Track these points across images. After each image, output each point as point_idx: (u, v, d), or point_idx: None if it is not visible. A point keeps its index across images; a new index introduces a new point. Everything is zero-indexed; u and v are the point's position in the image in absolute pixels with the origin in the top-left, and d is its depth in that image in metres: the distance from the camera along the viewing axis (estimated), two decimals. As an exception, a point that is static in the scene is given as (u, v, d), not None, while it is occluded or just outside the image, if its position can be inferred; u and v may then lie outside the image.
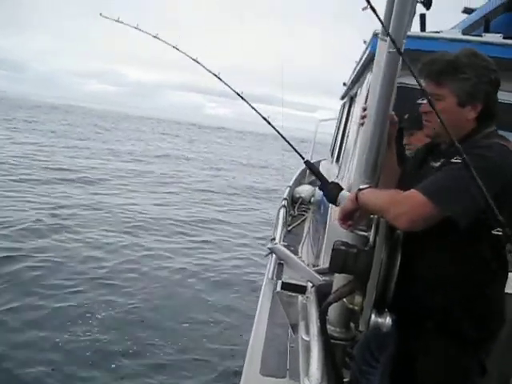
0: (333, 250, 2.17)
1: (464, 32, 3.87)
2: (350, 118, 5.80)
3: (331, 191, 3.27)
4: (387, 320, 2.06)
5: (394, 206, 1.96)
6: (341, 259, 2.14)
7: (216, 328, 7.50)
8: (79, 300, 7.68)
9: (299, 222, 7.17)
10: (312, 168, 4.01)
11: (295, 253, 5.79)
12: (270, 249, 2.95)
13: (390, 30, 1.98)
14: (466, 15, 5.93)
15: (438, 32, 3.45)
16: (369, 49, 3.58)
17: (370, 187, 2.17)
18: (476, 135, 2.08)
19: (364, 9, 1.88)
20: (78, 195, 15.29)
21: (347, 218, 2.24)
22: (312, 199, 7.87)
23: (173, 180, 22.16)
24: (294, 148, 3.66)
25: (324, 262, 3.47)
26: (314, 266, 4.81)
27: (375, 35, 3.42)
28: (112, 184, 18.44)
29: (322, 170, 7.14)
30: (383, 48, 2.18)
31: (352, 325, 2.45)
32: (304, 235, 6.47)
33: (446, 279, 2.04)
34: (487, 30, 3.68)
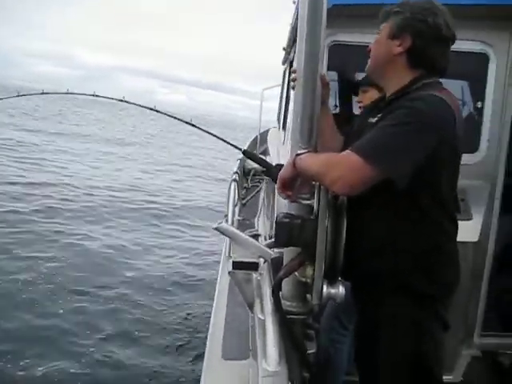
0: (276, 223, 2.07)
1: None
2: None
3: (277, 174, 3.18)
4: (340, 290, 1.98)
5: (330, 169, 1.85)
6: (286, 232, 2.04)
7: (177, 315, 7.37)
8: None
9: (254, 193, 7.05)
10: (252, 157, 3.92)
11: (252, 226, 5.70)
12: (215, 229, 2.83)
13: None
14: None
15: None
16: (299, 8, 3.43)
17: (308, 152, 2.06)
18: (413, 86, 1.99)
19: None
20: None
21: (287, 187, 2.13)
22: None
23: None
24: (229, 143, 3.57)
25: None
26: (270, 237, 4.74)
27: None
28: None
29: (271, 138, 7.10)
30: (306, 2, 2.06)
31: (308, 297, 2.37)
32: (259, 207, 6.37)
33: (392, 237, 1.98)
34: None
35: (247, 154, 3.52)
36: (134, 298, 7.64)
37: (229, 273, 2.71)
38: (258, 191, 7.22)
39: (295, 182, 2.12)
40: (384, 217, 1.97)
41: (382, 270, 2.00)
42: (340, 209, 1.98)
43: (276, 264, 2.74)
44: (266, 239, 5.08)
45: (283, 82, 7.19)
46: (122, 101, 4.42)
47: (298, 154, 2.05)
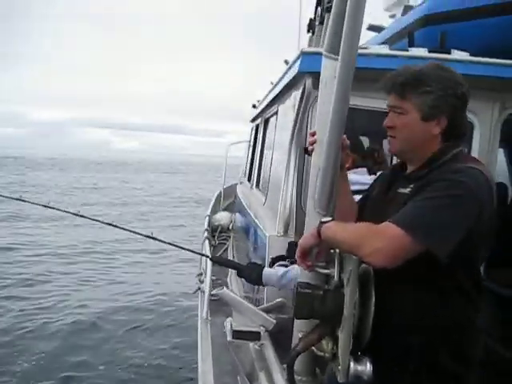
0: (296, 294, 1.95)
1: None
2: (268, 139, 5.64)
3: (251, 275, 3.08)
4: (368, 367, 1.85)
5: (367, 240, 1.75)
6: (307, 304, 1.92)
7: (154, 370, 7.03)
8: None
9: (222, 251, 6.91)
10: (222, 262, 3.87)
11: (224, 285, 5.54)
12: (215, 295, 2.70)
13: (343, 47, 1.79)
14: (371, 32, 5.97)
15: (366, 48, 3.34)
16: (295, 67, 3.42)
17: (332, 219, 1.96)
18: (443, 157, 1.92)
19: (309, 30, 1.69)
20: None
21: (307, 256, 2.02)
22: (231, 225, 7.64)
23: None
24: (191, 250, 3.62)
25: (268, 298, 3.24)
26: (247, 298, 4.59)
27: (304, 53, 3.27)
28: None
29: (242, 195, 7.02)
30: (331, 66, 2.01)
31: (318, 371, 2.23)
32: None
33: (423, 312, 1.87)
34: (412, 45, 3.63)
35: (215, 259, 3.49)
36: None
37: (228, 342, 2.56)
38: (225, 249, 7.08)
39: (313, 251, 2.02)
40: (416, 290, 1.87)
41: (409, 347, 1.88)
42: (367, 280, 1.87)
43: (274, 334, 2.61)
44: (244, 299, 4.94)
45: (254, 138, 7.16)
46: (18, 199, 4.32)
47: (322, 222, 1.95)
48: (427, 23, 3.83)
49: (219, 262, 3.80)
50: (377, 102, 3.33)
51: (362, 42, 5.50)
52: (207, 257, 3.51)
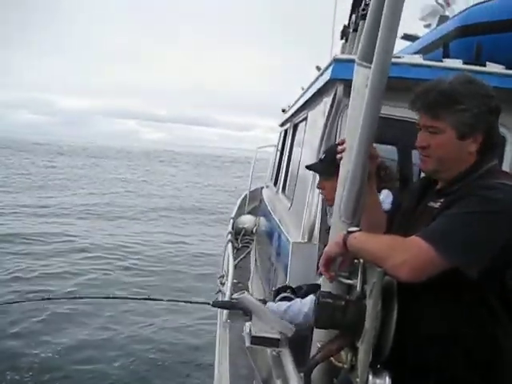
0: (318, 303, 1.92)
1: None
2: (296, 145, 5.63)
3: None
4: (387, 381, 1.82)
5: (394, 253, 1.72)
6: (329, 314, 1.89)
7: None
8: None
9: (244, 254, 6.91)
10: (224, 306, 3.77)
11: (245, 289, 5.53)
12: (236, 299, 2.68)
13: (376, 56, 1.77)
14: (405, 41, 5.92)
15: (399, 57, 3.31)
16: (327, 74, 3.40)
17: (360, 230, 1.94)
18: (477, 172, 1.87)
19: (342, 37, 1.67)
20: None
21: (331, 265, 1.99)
22: (255, 229, 7.64)
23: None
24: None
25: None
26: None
27: (336, 60, 3.25)
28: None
29: (267, 199, 7.01)
30: (363, 74, 1.98)
31: (335, 382, 2.20)
32: (252, 270, 6.22)
33: (447, 327, 1.82)
34: (447, 56, 3.58)
35: (216, 304, 3.43)
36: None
37: (247, 348, 2.54)
38: (248, 252, 7.09)
39: (337, 260, 2.00)
40: (441, 305, 1.83)
41: (430, 360, 1.84)
42: (390, 293, 1.84)
43: (295, 340, 2.59)
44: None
45: (282, 143, 7.15)
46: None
47: (349, 232, 1.92)
48: (463, 34, 3.78)
49: (221, 306, 3.72)
50: (408, 112, 3.29)
51: (395, 50, 5.48)
52: (210, 304, 3.44)
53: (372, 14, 1.90)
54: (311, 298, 2.76)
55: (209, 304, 3.37)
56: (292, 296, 2.96)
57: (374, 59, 1.81)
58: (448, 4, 6.50)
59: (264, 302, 3.09)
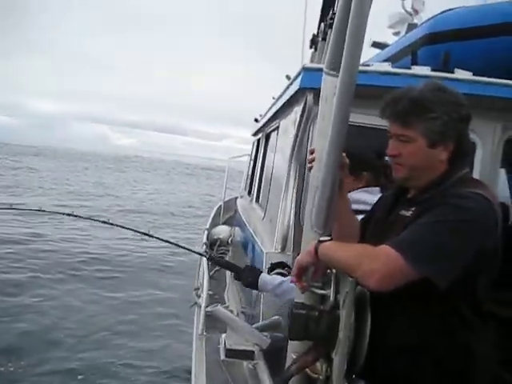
0: (291, 314, 1.90)
1: None
2: (268, 154, 5.62)
3: (247, 278, 3.04)
4: None
5: (363, 261, 1.70)
6: (302, 325, 1.88)
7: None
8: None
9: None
10: (220, 263, 3.84)
11: (221, 301, 5.47)
12: (209, 312, 2.65)
13: (343, 65, 1.76)
14: (374, 49, 5.97)
15: (368, 65, 3.33)
16: (296, 83, 3.40)
17: (331, 239, 1.92)
18: (449, 179, 1.87)
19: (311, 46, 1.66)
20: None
21: (303, 275, 1.97)
22: (230, 240, 7.58)
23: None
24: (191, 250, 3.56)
25: (263, 314, 3.19)
26: (244, 313, 4.53)
27: (305, 69, 3.25)
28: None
29: (241, 209, 6.97)
30: (331, 83, 1.98)
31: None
32: (227, 281, 6.15)
33: (416, 335, 1.81)
34: (415, 63, 3.60)
35: (211, 258, 3.46)
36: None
37: (222, 361, 2.51)
38: (223, 263, 7.02)
39: (309, 270, 1.98)
40: (410, 314, 1.81)
41: (399, 371, 1.82)
42: (363, 302, 1.83)
43: (270, 352, 2.56)
44: (238, 316, 4.88)
45: (256, 153, 7.13)
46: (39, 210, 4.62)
47: (320, 241, 1.91)
48: (431, 41, 3.81)
49: (217, 262, 3.75)
50: (379, 120, 3.30)
51: (364, 58, 5.52)
52: (205, 256, 3.45)
53: (338, 23, 1.90)
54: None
55: (204, 256, 3.36)
56: (287, 273, 2.97)
57: (341, 68, 1.80)
58: (416, 12, 6.57)
59: (258, 271, 3.09)
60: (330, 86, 1.99)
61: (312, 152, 2.12)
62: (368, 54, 5.89)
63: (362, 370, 1.83)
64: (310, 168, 2.12)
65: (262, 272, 3.12)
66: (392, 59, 4.10)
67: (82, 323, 8.42)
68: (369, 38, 6.63)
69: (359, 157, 2.88)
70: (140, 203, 26.06)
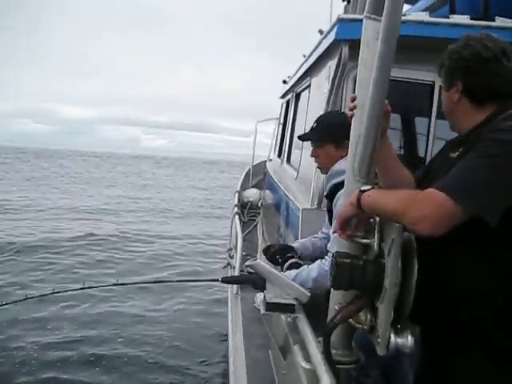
0: (335, 264, 1.88)
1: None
2: (300, 114, 5.54)
3: (260, 281, 2.89)
4: (409, 340, 1.78)
5: (411, 207, 1.66)
6: (347, 274, 1.85)
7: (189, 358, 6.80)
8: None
9: (251, 228, 6.87)
10: (232, 281, 3.69)
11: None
12: (248, 266, 2.63)
13: (386, 8, 1.70)
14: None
15: (404, 15, 3.22)
16: (331, 35, 3.31)
17: (373, 188, 1.88)
18: (494, 119, 1.83)
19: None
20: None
21: (346, 226, 1.95)
22: (260, 202, 7.59)
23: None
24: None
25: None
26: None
27: (341, 20, 3.16)
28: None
29: (272, 171, 6.94)
30: (372, 28, 1.92)
31: (353, 344, 2.17)
32: (259, 243, 6.18)
33: (478, 289, 1.76)
34: (453, 11, 3.48)
35: (225, 280, 3.34)
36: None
37: (262, 315, 2.51)
38: (254, 226, 7.05)
39: (352, 220, 1.95)
40: (471, 260, 1.77)
41: (459, 322, 1.79)
42: (410, 249, 1.79)
43: (310, 307, 2.55)
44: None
45: (285, 114, 7.06)
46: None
47: (362, 191, 1.87)
48: None
49: (230, 281, 3.66)
50: (414, 73, 3.22)
51: (406, 7, 5.33)
52: (217, 281, 3.37)
53: None
54: (318, 262, 2.73)
55: (218, 281, 3.31)
56: (300, 262, 2.93)
57: (384, 11, 1.74)
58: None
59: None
60: (372, 32, 1.93)
61: (353, 100, 2.07)
62: (406, 4, 5.73)
63: (413, 316, 1.80)
64: (352, 116, 2.07)
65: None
66: (431, 8, 3.97)
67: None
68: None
69: (340, 124, 2.83)
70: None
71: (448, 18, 3.26)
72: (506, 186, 1.64)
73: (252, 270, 2.67)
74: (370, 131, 1.90)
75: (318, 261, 2.74)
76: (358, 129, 1.99)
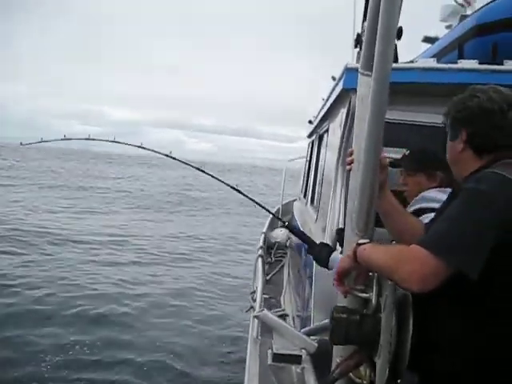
0: (332, 318, 1.89)
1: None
2: (321, 156, 5.58)
3: (320, 254, 3.01)
4: None
5: (400, 264, 1.66)
6: (343, 329, 1.86)
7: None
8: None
9: (278, 269, 6.87)
10: (294, 231, 3.83)
11: (277, 305, 5.49)
12: (255, 317, 2.66)
13: (375, 64, 1.74)
14: (426, 44, 5.84)
15: (412, 61, 3.26)
16: (340, 84, 3.36)
17: (369, 242, 1.90)
18: (484, 168, 1.84)
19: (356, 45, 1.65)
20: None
21: (344, 279, 1.96)
22: (288, 242, 7.59)
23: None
24: (270, 212, 3.51)
25: (314, 318, 3.18)
26: (299, 317, 4.52)
27: (348, 70, 3.21)
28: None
29: (297, 212, 6.97)
30: (366, 83, 1.96)
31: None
32: (284, 284, 6.17)
33: (457, 342, 1.74)
34: (462, 56, 3.50)
35: (289, 227, 3.43)
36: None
37: (268, 365, 2.51)
38: (281, 266, 7.04)
39: (351, 274, 1.96)
40: (450, 314, 1.75)
41: (442, 374, 1.77)
42: (404, 305, 1.79)
43: (319, 356, 2.55)
44: (293, 320, 4.88)
45: (310, 155, 7.11)
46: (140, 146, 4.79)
47: (359, 244, 1.89)
48: (479, 33, 3.68)
49: (292, 230, 3.75)
50: (430, 117, 3.22)
51: (416, 54, 5.40)
52: (283, 222, 3.48)
53: (370, 23, 1.88)
54: None
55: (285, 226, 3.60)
56: None
57: (374, 67, 1.78)
58: (468, 3, 6.36)
59: (331, 249, 3.08)
60: (365, 87, 1.97)
61: (351, 153, 2.11)
62: (420, 48, 5.78)
63: (410, 364, 1.79)
64: (349, 170, 2.10)
65: (334, 250, 3.10)
66: (440, 53, 3.99)
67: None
68: (422, 32, 6.49)
69: (433, 156, 2.84)
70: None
71: (456, 63, 3.28)
72: (480, 240, 1.62)
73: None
74: (365, 185, 1.93)
75: None
76: (354, 183, 2.02)
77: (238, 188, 4.18)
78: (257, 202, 3.98)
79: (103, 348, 7.47)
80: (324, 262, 2.98)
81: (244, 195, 4.10)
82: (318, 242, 3.19)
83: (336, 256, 2.91)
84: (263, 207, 4.01)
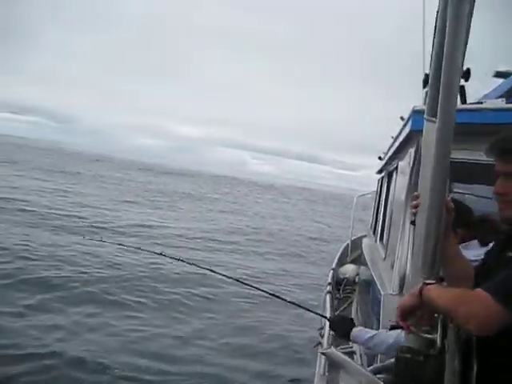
0: (396, 358, 1.93)
1: (507, 97, 3.68)
2: (390, 193, 5.60)
3: (341, 329, 3.08)
4: None
5: (461, 305, 1.71)
6: (407, 369, 1.90)
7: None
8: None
9: (346, 305, 6.86)
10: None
11: (345, 342, 5.47)
12: (323, 354, 2.71)
13: (439, 113, 1.81)
14: (498, 79, 5.77)
15: (481, 103, 3.28)
16: (408, 126, 3.42)
17: (435, 283, 1.94)
18: None
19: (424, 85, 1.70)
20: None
21: (407, 316, 2.00)
22: (357, 279, 7.58)
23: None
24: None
25: (381, 357, 3.20)
26: (367, 355, 4.51)
27: (415, 112, 3.27)
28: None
29: (366, 248, 6.96)
30: (431, 130, 2.01)
31: None
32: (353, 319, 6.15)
33: None
34: None
35: (331, 319, 3.56)
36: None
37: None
38: (350, 302, 7.03)
39: (416, 312, 2.00)
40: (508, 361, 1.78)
41: None
42: (468, 347, 1.82)
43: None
44: (361, 357, 4.86)
45: (380, 191, 7.12)
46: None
47: (425, 283, 1.93)
48: None
49: (331, 321, 3.78)
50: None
51: (489, 89, 5.32)
52: (325, 317, 3.52)
53: (433, 71, 1.94)
54: (398, 331, 2.75)
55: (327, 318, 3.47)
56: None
57: (438, 115, 1.84)
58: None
59: (352, 324, 3.14)
60: (431, 133, 2.02)
61: (417, 197, 2.15)
62: (491, 84, 5.70)
63: None
64: (415, 214, 2.14)
65: (354, 324, 3.22)
66: (507, 94, 3.97)
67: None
68: (495, 67, 6.37)
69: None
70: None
71: None
72: None
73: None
74: (431, 229, 1.97)
75: (399, 330, 2.76)
76: (420, 227, 2.06)
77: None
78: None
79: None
80: (346, 336, 3.18)
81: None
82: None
83: (356, 330, 3.00)
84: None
